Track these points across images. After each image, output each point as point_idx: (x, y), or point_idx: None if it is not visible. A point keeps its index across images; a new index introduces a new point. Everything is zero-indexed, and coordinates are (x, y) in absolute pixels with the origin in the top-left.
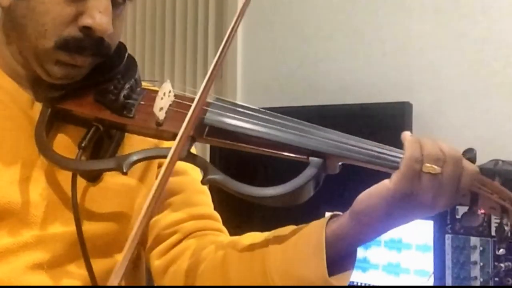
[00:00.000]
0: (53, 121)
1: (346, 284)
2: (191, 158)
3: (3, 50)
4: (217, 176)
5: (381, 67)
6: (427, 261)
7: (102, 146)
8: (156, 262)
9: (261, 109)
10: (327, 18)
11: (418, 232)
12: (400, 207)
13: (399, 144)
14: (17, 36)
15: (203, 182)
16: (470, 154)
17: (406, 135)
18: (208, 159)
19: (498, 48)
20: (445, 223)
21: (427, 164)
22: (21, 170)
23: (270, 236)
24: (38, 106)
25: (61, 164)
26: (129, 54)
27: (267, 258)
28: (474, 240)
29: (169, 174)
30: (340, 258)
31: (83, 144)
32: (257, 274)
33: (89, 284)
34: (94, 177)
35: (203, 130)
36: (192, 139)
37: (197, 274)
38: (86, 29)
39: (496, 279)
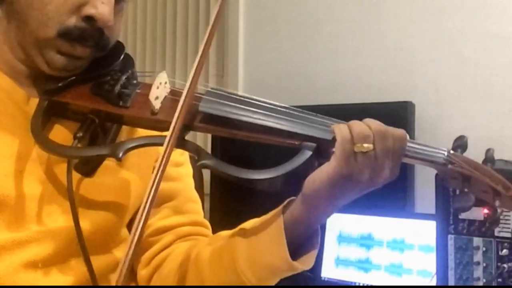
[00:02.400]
0: (49, 114)
1: (312, 263)
2: (184, 145)
3: (4, 48)
4: (210, 161)
5: (384, 67)
6: (429, 262)
7: (97, 139)
8: (142, 271)
9: (253, 97)
10: (328, 18)
11: (421, 232)
12: (343, 188)
13: None
14: (19, 28)
15: (196, 166)
16: (460, 141)
17: (334, 126)
18: (209, 146)
19: (500, 48)
20: (447, 223)
21: (358, 144)
22: (16, 163)
23: (236, 229)
24: (34, 102)
25: (56, 151)
26: (126, 53)
27: (234, 251)
28: (477, 241)
29: (168, 159)
30: (303, 240)
31: (78, 135)
32: (227, 268)
33: (85, 281)
34: (88, 171)
35: (197, 117)
36: (186, 128)
37: (176, 277)
38: (88, 19)
39: (499, 279)
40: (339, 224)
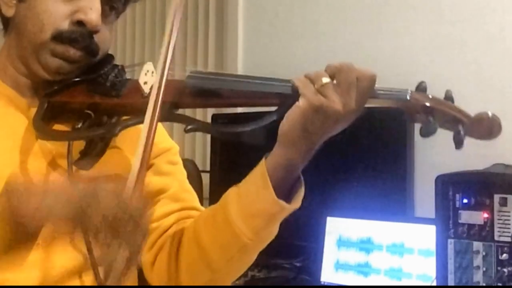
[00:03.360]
0: (49, 116)
1: (300, 202)
2: (173, 117)
3: (6, 64)
4: (196, 124)
5: (384, 68)
6: (429, 266)
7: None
8: (145, 256)
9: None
10: (328, 18)
11: (420, 236)
12: (315, 120)
13: (402, 145)
14: (19, 39)
15: (186, 131)
16: (421, 86)
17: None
18: (208, 150)
19: (501, 50)
20: (447, 227)
21: (318, 81)
22: (19, 156)
23: (226, 193)
24: (34, 111)
25: (56, 136)
26: (115, 63)
27: (226, 207)
28: (477, 245)
29: (155, 124)
30: (289, 186)
31: (76, 127)
32: (221, 225)
33: (84, 261)
34: (87, 163)
35: (184, 93)
36: (175, 105)
37: (179, 252)
38: (79, 24)
39: (499, 284)
40: (339, 228)
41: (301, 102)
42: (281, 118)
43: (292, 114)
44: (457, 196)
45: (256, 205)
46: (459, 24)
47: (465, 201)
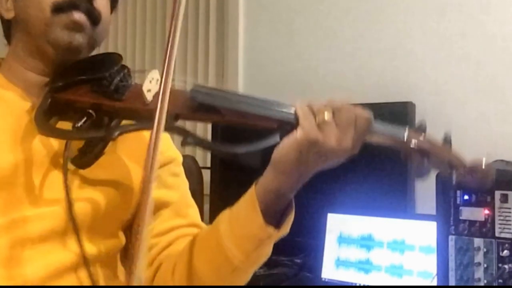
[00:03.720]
0: (51, 112)
1: (288, 229)
2: (173, 129)
3: (14, 65)
4: (194, 138)
5: (384, 67)
6: (430, 263)
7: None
8: (146, 271)
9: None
10: (328, 18)
11: (421, 233)
12: (310, 153)
13: None
14: (24, 30)
15: (183, 144)
16: (420, 124)
17: (296, 104)
18: (209, 156)
19: (501, 49)
20: (448, 224)
21: (319, 115)
22: (22, 151)
23: (220, 215)
24: None
25: (55, 133)
26: (123, 64)
27: (218, 230)
28: (478, 242)
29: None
30: (278, 212)
31: (76, 125)
32: (214, 248)
33: (78, 260)
34: (84, 163)
35: (186, 106)
36: (176, 116)
37: (174, 274)
38: None
39: (500, 280)
40: (340, 225)
41: (298, 133)
42: (278, 143)
43: (287, 143)
44: (458, 192)
45: (245, 229)
46: (460, 23)
47: (466, 197)
